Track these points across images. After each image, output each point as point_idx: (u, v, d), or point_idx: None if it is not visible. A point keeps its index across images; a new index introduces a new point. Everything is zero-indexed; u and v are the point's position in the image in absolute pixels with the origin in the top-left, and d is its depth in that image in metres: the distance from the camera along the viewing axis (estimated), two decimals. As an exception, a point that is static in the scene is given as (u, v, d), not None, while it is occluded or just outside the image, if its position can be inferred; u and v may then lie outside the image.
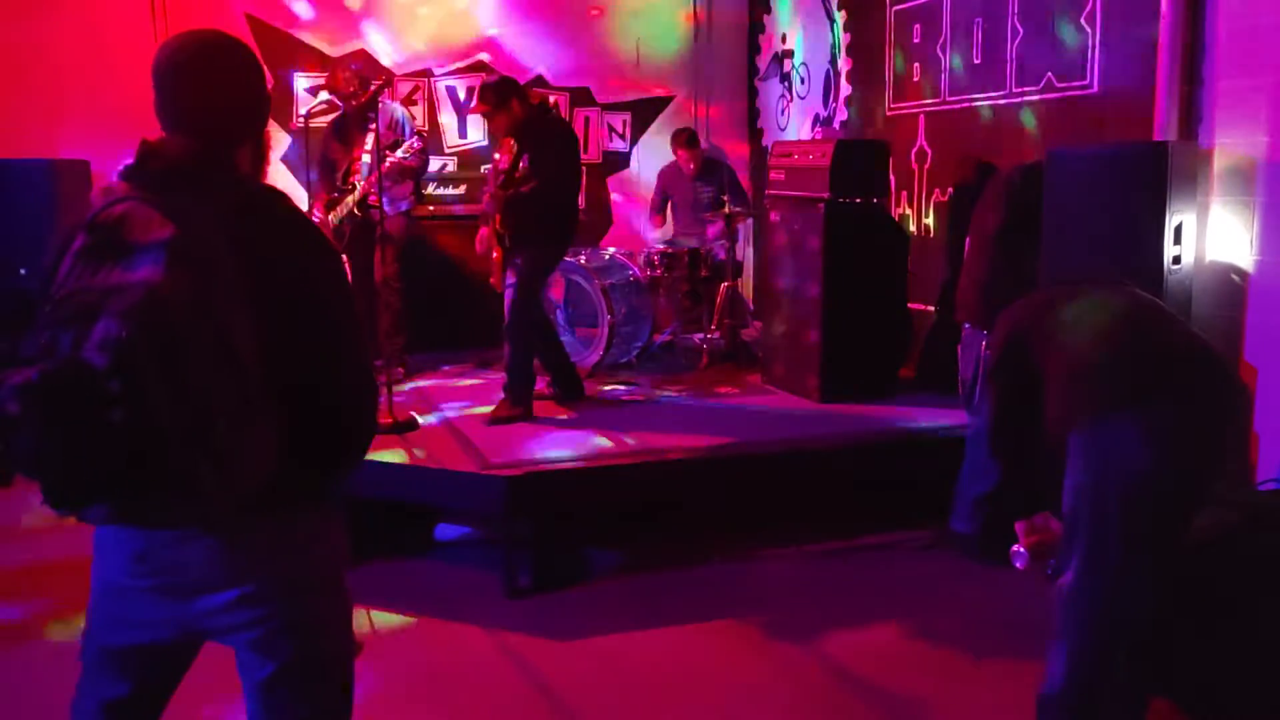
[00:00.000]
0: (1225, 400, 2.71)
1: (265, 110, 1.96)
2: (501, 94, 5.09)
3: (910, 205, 6.49)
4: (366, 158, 5.80)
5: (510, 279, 5.13)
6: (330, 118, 6.33)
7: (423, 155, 6.05)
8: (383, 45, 7.72)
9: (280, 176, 7.41)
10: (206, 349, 1.58)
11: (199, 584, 1.80)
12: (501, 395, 5.18)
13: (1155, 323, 2.78)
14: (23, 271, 5.85)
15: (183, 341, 1.55)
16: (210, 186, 1.75)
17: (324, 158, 6.17)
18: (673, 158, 7.28)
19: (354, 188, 5.96)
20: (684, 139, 7.10)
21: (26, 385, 1.49)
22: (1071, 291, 2.90)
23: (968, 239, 4.57)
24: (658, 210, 7.28)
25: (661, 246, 6.82)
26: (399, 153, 5.91)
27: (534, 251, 5.14)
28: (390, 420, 4.83)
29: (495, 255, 5.31)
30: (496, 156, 5.38)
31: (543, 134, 5.16)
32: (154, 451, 1.55)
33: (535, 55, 7.93)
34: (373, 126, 5.63)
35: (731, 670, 3.63)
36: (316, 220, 5.93)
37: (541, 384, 5.42)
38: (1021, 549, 2.88)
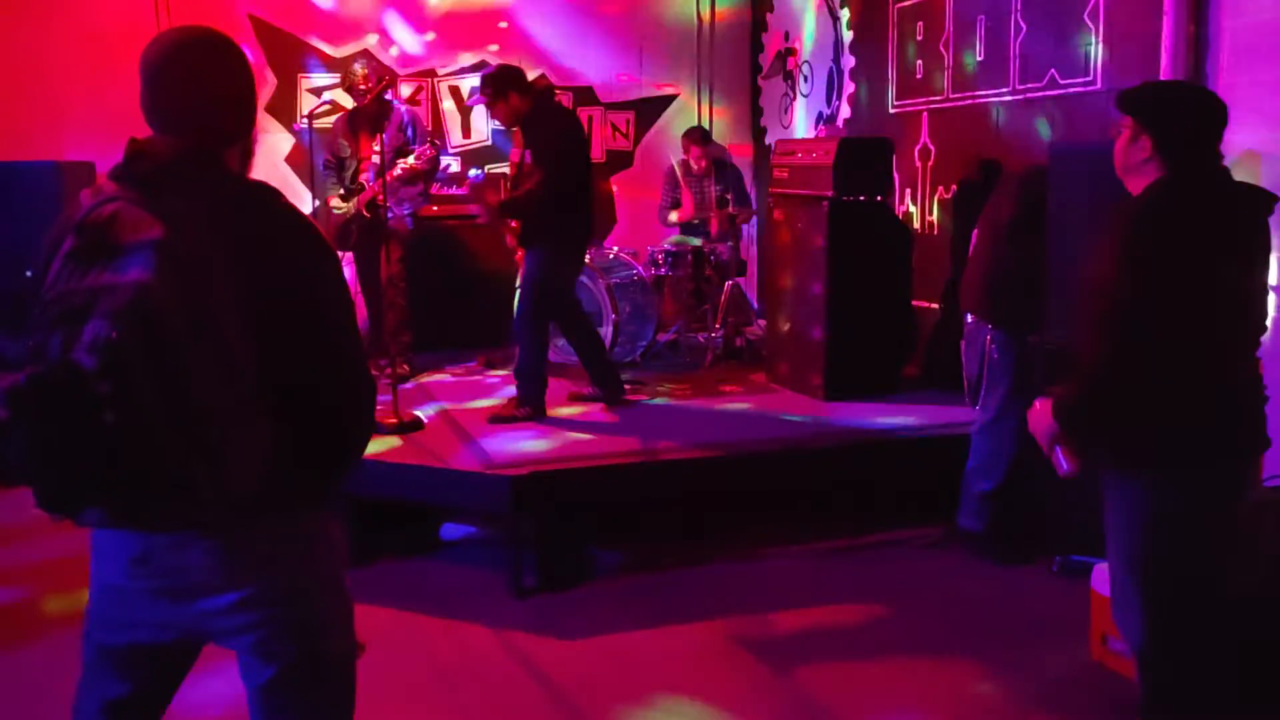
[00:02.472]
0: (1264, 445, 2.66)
1: (253, 108, 1.94)
2: (498, 85, 4.99)
3: (914, 203, 6.48)
4: (376, 158, 5.79)
5: (521, 278, 5.12)
6: (337, 115, 6.34)
7: (433, 162, 6.04)
8: (386, 45, 7.73)
9: (284, 176, 7.43)
10: (198, 349, 1.57)
11: (199, 587, 1.80)
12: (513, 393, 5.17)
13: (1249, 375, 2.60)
14: (29, 273, 5.86)
15: (173, 342, 1.54)
16: (201, 185, 1.74)
17: (333, 154, 6.17)
18: (678, 156, 7.28)
19: (362, 187, 5.96)
20: (697, 135, 7.10)
21: (15, 389, 1.49)
22: (1228, 235, 2.50)
23: (975, 232, 4.56)
24: (670, 207, 7.27)
25: (666, 245, 6.82)
26: (410, 160, 5.89)
27: (540, 250, 5.07)
28: (395, 420, 4.84)
29: (519, 255, 5.31)
30: (516, 152, 5.32)
31: (543, 127, 5.04)
32: (147, 453, 1.55)
33: (538, 55, 7.94)
34: (384, 127, 5.64)
35: (737, 669, 3.63)
36: (333, 212, 5.95)
37: (586, 388, 5.40)
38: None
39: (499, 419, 5.02)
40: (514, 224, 5.17)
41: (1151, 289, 2.40)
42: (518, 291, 5.11)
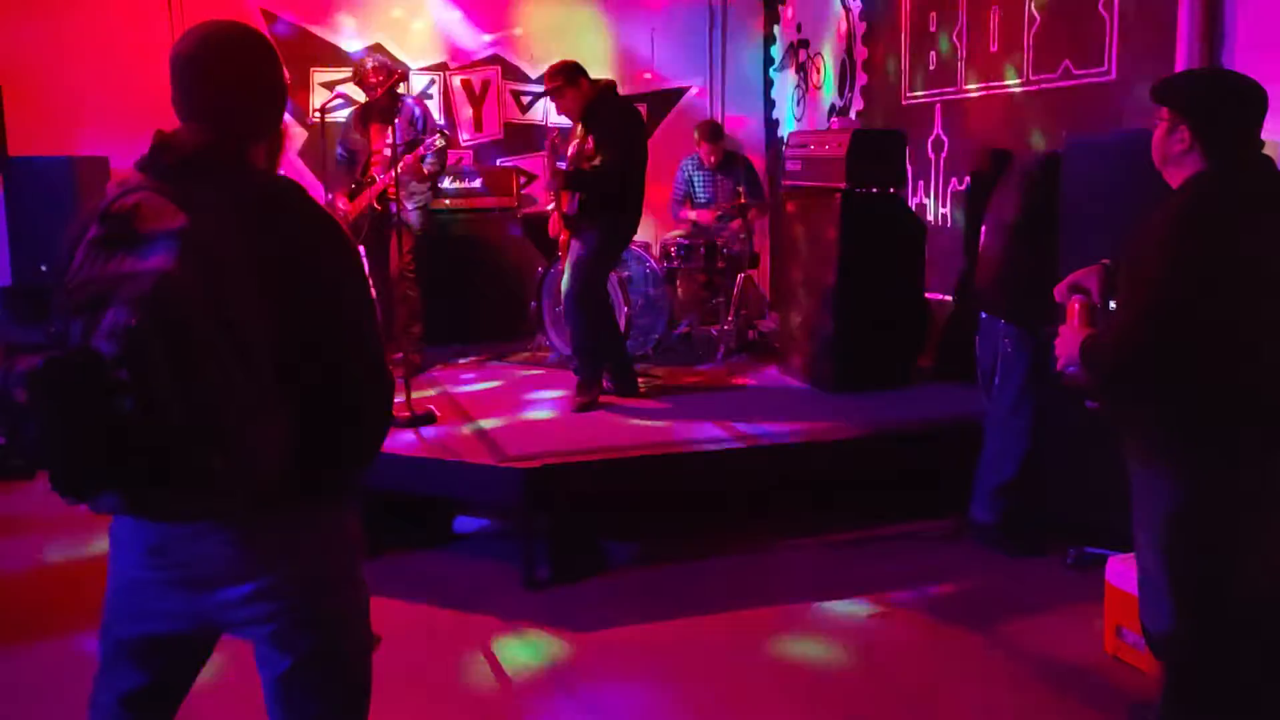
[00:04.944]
0: None
1: (282, 104, 1.95)
2: (569, 73, 5.16)
3: (927, 194, 6.46)
4: (387, 151, 5.80)
5: (570, 259, 5.16)
6: (350, 109, 6.35)
7: (441, 154, 6.05)
8: (398, 39, 7.73)
9: (297, 170, 7.45)
10: (216, 339, 1.58)
11: (215, 578, 1.80)
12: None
13: None
14: (43, 267, 5.90)
15: (192, 330, 1.55)
16: (224, 178, 1.75)
17: (344, 148, 6.19)
18: (691, 150, 7.27)
19: (373, 180, 5.97)
20: (707, 131, 7.09)
21: (33, 372, 1.51)
22: None
23: (983, 228, 4.54)
24: (682, 201, 7.27)
25: (679, 238, 6.81)
26: (422, 150, 5.88)
27: (593, 233, 5.15)
28: (408, 413, 4.84)
29: (563, 237, 5.33)
30: (570, 151, 5.33)
31: (607, 114, 5.18)
32: (163, 442, 1.56)
33: (549, 48, 7.93)
34: (395, 121, 5.65)
35: (750, 662, 3.63)
36: (340, 210, 5.96)
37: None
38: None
39: (579, 408, 5.11)
40: (564, 207, 5.21)
41: (1197, 287, 2.35)
42: (566, 274, 5.17)
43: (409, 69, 7.55)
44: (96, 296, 1.56)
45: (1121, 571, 3.49)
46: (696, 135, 7.14)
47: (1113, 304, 2.69)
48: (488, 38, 7.97)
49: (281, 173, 1.92)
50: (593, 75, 5.32)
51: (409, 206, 6.06)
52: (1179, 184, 2.51)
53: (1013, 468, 4.31)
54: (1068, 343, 2.61)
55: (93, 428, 1.53)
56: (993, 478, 4.38)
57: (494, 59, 7.96)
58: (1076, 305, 2.68)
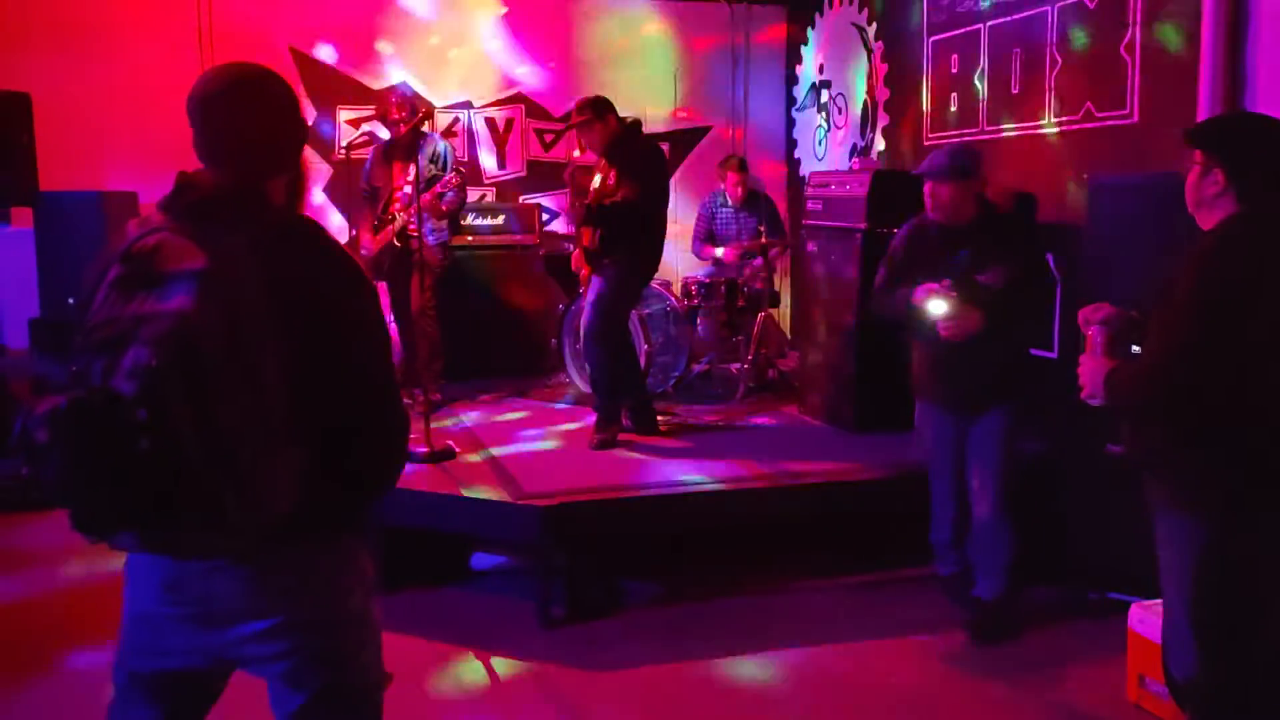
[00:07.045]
0: None
1: (299, 143, 1.98)
2: (598, 108, 5.21)
3: (949, 235, 6.44)
4: (408, 188, 5.85)
5: (590, 296, 5.18)
6: (373, 145, 6.42)
7: (461, 191, 6.10)
8: (423, 77, 7.83)
9: (321, 207, 7.53)
10: (234, 378, 1.59)
11: (229, 614, 1.81)
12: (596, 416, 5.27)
13: None
14: (71, 301, 5.96)
15: (211, 370, 1.57)
16: (244, 218, 1.77)
17: (368, 184, 6.25)
18: (714, 188, 7.30)
19: (394, 217, 6.02)
20: (735, 164, 7.11)
21: (54, 413, 1.52)
22: None
23: None
24: (705, 240, 7.28)
25: (699, 276, 6.83)
26: (440, 188, 5.93)
27: (614, 269, 5.17)
28: (427, 449, 4.85)
29: (584, 273, 5.36)
30: (592, 186, 5.37)
31: (630, 151, 5.23)
32: (180, 480, 1.57)
33: (572, 87, 8.01)
34: (416, 157, 5.71)
35: (768, 703, 3.59)
36: (364, 246, 6.01)
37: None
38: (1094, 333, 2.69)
39: (598, 445, 5.12)
40: (585, 242, 5.24)
41: (1227, 326, 2.35)
42: (585, 310, 5.19)
43: (434, 106, 7.64)
44: (117, 336, 1.58)
45: (1144, 619, 3.44)
46: (722, 169, 7.15)
47: (1135, 349, 2.68)
48: (521, 71, 8.06)
49: (305, 210, 1.94)
50: (620, 112, 5.35)
51: (430, 243, 6.11)
52: (1210, 226, 2.51)
53: (946, 525, 4.22)
54: (1091, 372, 2.60)
55: (112, 467, 1.54)
56: (933, 535, 4.30)
57: (518, 97, 8.04)
58: (1097, 334, 2.67)
